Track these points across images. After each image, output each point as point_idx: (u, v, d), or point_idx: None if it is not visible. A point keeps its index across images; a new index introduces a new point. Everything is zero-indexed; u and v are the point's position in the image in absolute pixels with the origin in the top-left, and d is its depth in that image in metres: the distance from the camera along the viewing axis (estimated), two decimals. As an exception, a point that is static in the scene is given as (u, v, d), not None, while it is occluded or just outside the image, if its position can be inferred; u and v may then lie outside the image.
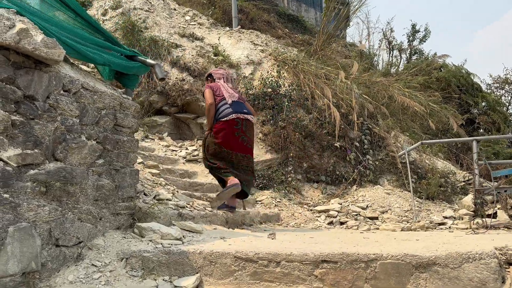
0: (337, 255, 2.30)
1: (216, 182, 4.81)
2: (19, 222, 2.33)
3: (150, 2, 9.54)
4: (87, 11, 9.57)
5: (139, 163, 4.47)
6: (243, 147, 4.31)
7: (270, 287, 2.34)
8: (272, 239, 3.29)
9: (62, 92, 2.75)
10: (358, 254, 2.31)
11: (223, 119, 4.22)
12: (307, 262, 2.32)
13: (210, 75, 4.74)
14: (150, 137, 6.68)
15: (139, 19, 8.45)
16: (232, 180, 4.09)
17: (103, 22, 8.66)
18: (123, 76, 3.54)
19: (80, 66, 3.32)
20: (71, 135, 2.79)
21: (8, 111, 2.35)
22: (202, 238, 3.10)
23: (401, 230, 4.75)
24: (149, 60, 3.53)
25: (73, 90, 2.84)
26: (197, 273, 2.52)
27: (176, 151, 6.28)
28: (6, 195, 2.28)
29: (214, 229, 3.64)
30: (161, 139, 6.76)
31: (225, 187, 4.11)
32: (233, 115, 4.24)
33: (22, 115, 2.44)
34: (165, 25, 8.50)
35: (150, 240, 2.82)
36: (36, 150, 2.50)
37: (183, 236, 3.08)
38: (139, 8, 9.05)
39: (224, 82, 4.53)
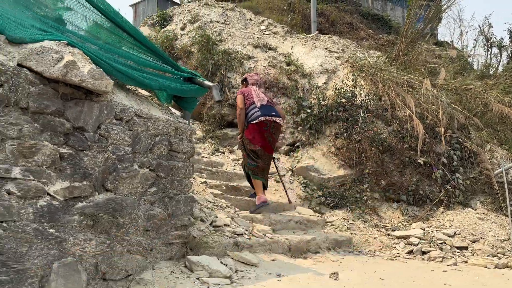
0: (401, 324, 1.91)
1: (280, 200, 5.24)
2: (64, 257, 2.31)
3: (227, 14, 9.63)
4: (168, 26, 9.98)
5: (201, 183, 4.38)
6: (268, 146, 4.65)
7: None
8: (335, 279, 2.95)
9: (114, 121, 2.72)
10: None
11: (253, 122, 4.56)
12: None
13: (245, 79, 5.04)
14: (220, 150, 6.64)
15: (215, 32, 8.54)
16: (261, 198, 4.51)
17: (181, 37, 8.92)
18: (181, 99, 3.46)
19: (138, 90, 3.29)
20: (123, 164, 2.74)
21: (57, 144, 2.35)
22: (255, 275, 2.86)
23: (495, 267, 4.06)
24: (206, 82, 3.40)
25: (126, 118, 2.79)
26: (243, 322, 2.29)
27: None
28: (51, 230, 2.27)
29: (273, 260, 3.39)
30: (231, 152, 6.70)
31: (256, 207, 4.48)
32: (262, 117, 4.55)
33: (71, 147, 2.43)
34: (239, 37, 8.48)
35: (197, 278, 2.66)
36: (84, 182, 2.47)
37: (236, 271, 2.88)
38: (216, 21, 9.17)
39: (256, 87, 4.85)
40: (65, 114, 2.40)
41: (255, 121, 4.55)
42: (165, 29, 9.65)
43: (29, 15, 2.59)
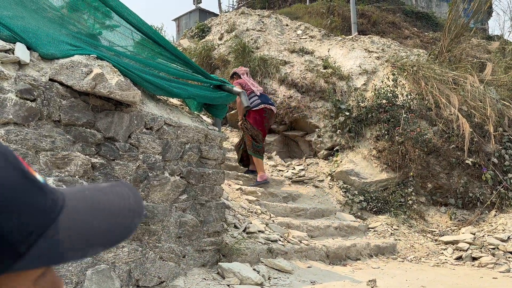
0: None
1: (319, 206, 5.21)
2: (98, 264, 2.38)
3: (263, 22, 9.67)
4: (207, 37, 10.19)
5: (237, 189, 4.39)
6: (265, 131, 5.22)
7: None
8: (372, 287, 2.82)
9: (144, 130, 2.78)
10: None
11: (254, 109, 5.02)
12: (397, 337, 1.85)
13: (235, 73, 5.45)
14: (258, 157, 6.63)
15: (251, 39, 8.60)
16: (263, 176, 5.04)
17: (218, 46, 9.06)
18: (211, 106, 3.49)
19: (169, 100, 3.36)
20: (153, 172, 2.79)
21: (89, 155, 2.43)
22: (288, 282, 2.80)
23: (557, 275, 3.71)
24: (235, 89, 3.42)
25: (156, 127, 2.85)
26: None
27: (282, 171, 6.10)
28: (85, 238, 2.34)
29: (309, 267, 3.31)
30: (269, 158, 6.66)
31: (257, 183, 4.99)
32: (262, 105, 5.07)
33: (102, 157, 2.51)
34: (275, 43, 8.48)
35: (228, 285, 2.64)
36: (116, 191, 2.54)
37: (269, 278, 2.83)
38: (252, 29, 9.23)
39: (247, 77, 5.34)
40: (96, 125, 2.49)
41: (256, 108, 5.03)
42: (204, 40, 9.85)
43: (63, 32, 2.72)
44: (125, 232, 0.39)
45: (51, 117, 2.26)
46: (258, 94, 5.13)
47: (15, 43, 2.27)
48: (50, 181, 2.21)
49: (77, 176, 2.34)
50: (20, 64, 2.23)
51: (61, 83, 2.32)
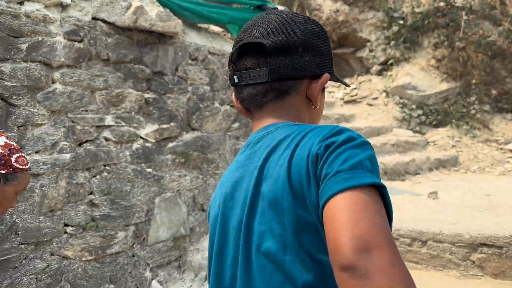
0: (501, 239, 1.73)
1: (374, 124, 5.11)
2: (164, 193, 2.53)
3: None
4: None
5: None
6: None
7: (415, 269, 1.97)
8: (433, 199, 2.79)
9: (189, 61, 2.77)
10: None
11: None
12: (461, 244, 1.83)
13: None
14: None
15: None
16: None
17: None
18: (254, 29, 3.35)
19: (210, 27, 3.27)
20: (204, 103, 2.82)
21: (141, 90, 2.49)
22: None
23: None
24: (278, 7, 3.23)
25: (200, 57, 2.83)
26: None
27: (333, 92, 5.93)
28: (149, 170, 2.48)
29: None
30: (319, 80, 6.48)
31: None
32: None
33: (154, 92, 2.56)
34: (316, -47, 7.81)
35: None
36: (171, 124, 2.62)
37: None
38: None
39: None
40: (143, 61, 2.51)
41: None
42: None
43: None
44: None
45: (100, 56, 2.30)
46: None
47: (53, -16, 2.26)
48: (109, 119, 2.30)
49: (133, 112, 2.42)
50: (62, 6, 2.23)
51: (103, 21, 2.32)
